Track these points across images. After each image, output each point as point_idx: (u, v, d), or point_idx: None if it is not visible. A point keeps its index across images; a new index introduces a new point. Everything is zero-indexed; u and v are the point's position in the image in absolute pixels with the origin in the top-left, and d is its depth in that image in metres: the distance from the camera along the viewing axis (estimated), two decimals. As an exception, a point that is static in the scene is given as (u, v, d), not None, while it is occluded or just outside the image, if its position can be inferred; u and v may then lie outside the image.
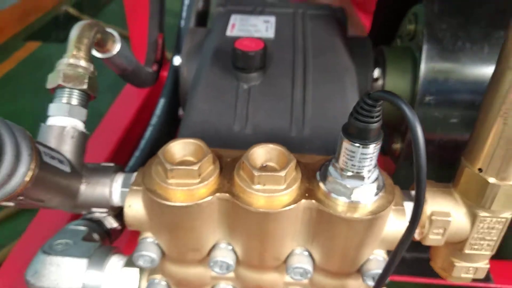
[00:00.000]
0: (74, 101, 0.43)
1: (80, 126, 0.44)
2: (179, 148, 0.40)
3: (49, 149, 0.40)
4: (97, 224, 0.58)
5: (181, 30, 0.91)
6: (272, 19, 0.74)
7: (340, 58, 0.65)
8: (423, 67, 0.60)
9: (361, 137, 0.35)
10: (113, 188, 0.44)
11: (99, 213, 0.45)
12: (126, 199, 0.41)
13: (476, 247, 0.43)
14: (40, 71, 1.95)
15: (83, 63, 0.45)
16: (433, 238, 0.42)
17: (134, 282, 0.49)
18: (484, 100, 0.38)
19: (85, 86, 0.44)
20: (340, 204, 0.38)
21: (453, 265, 0.44)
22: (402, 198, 0.42)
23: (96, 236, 0.56)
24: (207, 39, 0.74)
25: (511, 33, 0.35)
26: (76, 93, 0.44)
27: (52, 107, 0.43)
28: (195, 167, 0.37)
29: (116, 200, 0.44)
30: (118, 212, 0.61)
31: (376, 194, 0.38)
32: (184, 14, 0.90)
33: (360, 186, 0.37)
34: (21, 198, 0.35)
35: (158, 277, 0.47)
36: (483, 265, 0.44)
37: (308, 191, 0.39)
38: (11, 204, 0.39)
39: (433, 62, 0.60)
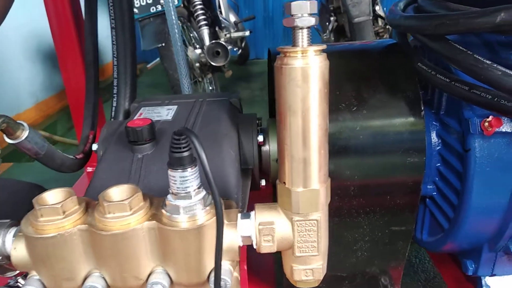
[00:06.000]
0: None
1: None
2: (52, 195, 0.51)
3: None
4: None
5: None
6: (174, 107, 0.90)
7: (222, 127, 0.79)
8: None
9: (179, 164, 0.47)
10: (6, 238, 0.53)
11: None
12: (13, 243, 0.51)
13: (304, 249, 0.52)
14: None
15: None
16: (266, 245, 0.52)
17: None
18: (278, 134, 0.51)
19: None
20: (174, 220, 0.48)
21: (292, 269, 0.53)
22: (238, 217, 0.53)
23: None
24: (119, 128, 0.88)
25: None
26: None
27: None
28: (58, 206, 0.48)
29: (9, 248, 0.53)
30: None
31: (203, 209, 0.49)
32: (112, 114, 1.06)
33: (186, 204, 0.48)
34: None
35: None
36: (316, 266, 0.53)
37: (153, 216, 0.49)
38: None
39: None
